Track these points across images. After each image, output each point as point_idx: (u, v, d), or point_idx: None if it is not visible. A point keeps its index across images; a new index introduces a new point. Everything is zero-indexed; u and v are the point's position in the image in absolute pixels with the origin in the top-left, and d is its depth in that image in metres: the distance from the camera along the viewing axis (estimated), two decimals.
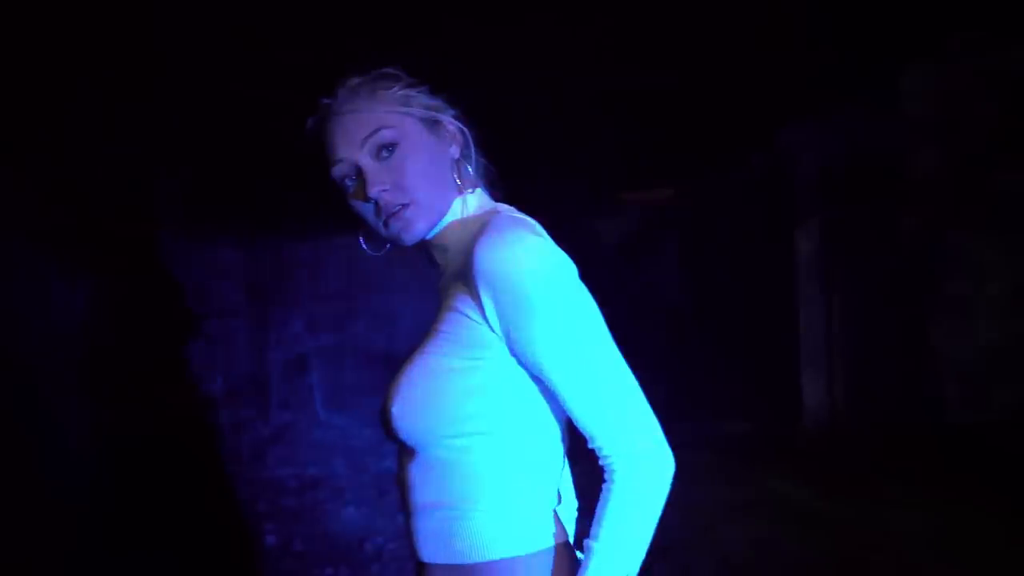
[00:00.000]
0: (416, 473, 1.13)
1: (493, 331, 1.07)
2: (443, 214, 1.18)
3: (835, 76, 5.28)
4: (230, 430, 5.34)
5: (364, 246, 1.23)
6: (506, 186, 1.26)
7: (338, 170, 1.16)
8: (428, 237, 1.19)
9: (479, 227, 1.11)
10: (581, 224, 9.92)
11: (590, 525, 1.10)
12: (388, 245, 1.22)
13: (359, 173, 1.14)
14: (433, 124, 1.17)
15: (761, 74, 5.10)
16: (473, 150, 1.22)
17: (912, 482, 4.70)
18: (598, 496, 1.11)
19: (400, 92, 1.17)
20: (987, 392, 5.94)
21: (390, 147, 1.13)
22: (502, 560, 1.09)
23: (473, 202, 1.20)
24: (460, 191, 1.19)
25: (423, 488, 1.12)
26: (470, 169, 1.21)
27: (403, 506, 1.18)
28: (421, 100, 1.18)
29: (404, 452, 1.16)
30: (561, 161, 7.25)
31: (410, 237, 1.16)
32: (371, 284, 6.32)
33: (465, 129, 1.20)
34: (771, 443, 5.88)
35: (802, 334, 6.24)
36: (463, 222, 1.18)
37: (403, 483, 1.16)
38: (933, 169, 5.90)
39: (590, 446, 1.11)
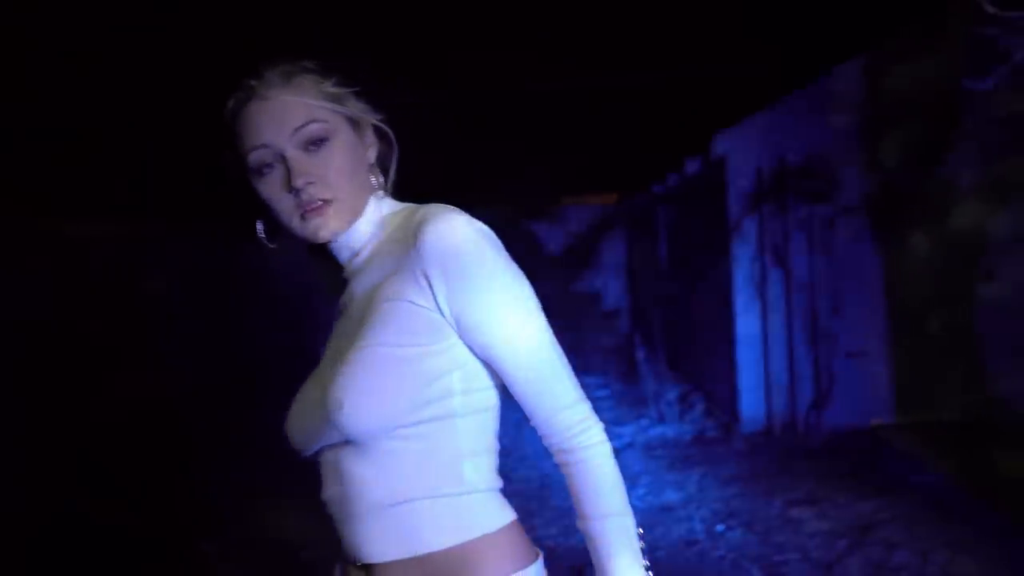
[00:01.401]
0: (368, 471, 1.09)
1: (443, 316, 1.08)
2: (359, 215, 1.17)
3: (767, 84, 5.39)
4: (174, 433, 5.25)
5: (261, 236, 1.19)
6: (441, 195, 1.26)
7: (259, 155, 1.12)
8: (333, 238, 1.16)
9: (409, 220, 1.13)
10: (523, 230, 9.97)
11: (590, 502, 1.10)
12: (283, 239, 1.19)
13: (282, 162, 1.11)
14: (356, 125, 1.17)
15: (696, 82, 5.19)
16: (395, 157, 1.22)
17: (835, 481, 4.84)
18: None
19: (333, 88, 1.16)
20: (928, 394, 6.14)
21: (319, 142, 1.12)
22: (477, 540, 1.10)
23: (386, 206, 1.20)
24: (374, 195, 1.19)
25: (381, 485, 1.09)
26: (386, 175, 1.21)
27: (341, 511, 1.12)
28: (352, 100, 1.17)
29: (342, 456, 1.11)
30: (500, 169, 7.28)
31: (326, 234, 1.14)
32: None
33: (392, 136, 1.20)
34: (709, 445, 5.99)
35: (738, 340, 6.35)
36: (379, 223, 1.18)
37: (347, 486, 1.10)
38: (861, 174, 6.09)
39: (553, 419, 1.10)
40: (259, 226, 1.20)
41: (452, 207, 1.12)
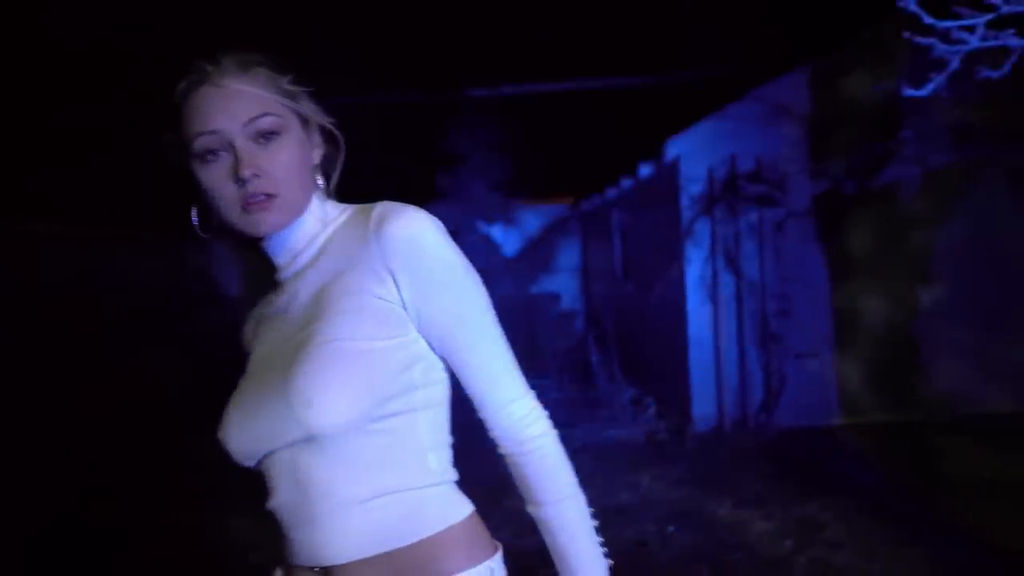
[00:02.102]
0: (333, 470, 1.07)
1: (405, 310, 1.09)
2: (300, 214, 1.15)
3: (716, 91, 5.49)
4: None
5: (195, 223, 1.16)
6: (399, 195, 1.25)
7: (206, 141, 1.09)
8: (272, 234, 1.14)
9: (362, 217, 1.13)
10: (479, 233, 9.98)
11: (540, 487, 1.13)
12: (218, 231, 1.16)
13: (230, 151, 1.09)
14: (306, 124, 1.16)
15: (649, 88, 5.26)
16: (341, 160, 1.21)
17: (783, 481, 4.93)
18: None
19: (288, 85, 1.15)
20: (868, 399, 6.28)
21: (270, 135, 1.10)
22: (443, 532, 1.11)
23: (330, 208, 1.19)
24: (316, 195, 1.18)
25: (347, 482, 1.07)
26: (327, 179, 1.20)
27: (298, 514, 1.10)
28: (305, 99, 1.16)
29: (299, 457, 1.08)
30: (456, 171, 7.29)
31: (266, 228, 1.11)
32: None
33: (341, 140, 1.20)
34: (661, 447, 6.05)
35: (690, 342, 6.42)
36: (322, 222, 1.17)
37: (306, 487, 1.08)
38: (809, 179, 6.20)
39: (504, 410, 1.13)
40: (193, 214, 1.16)
41: (409, 204, 1.13)
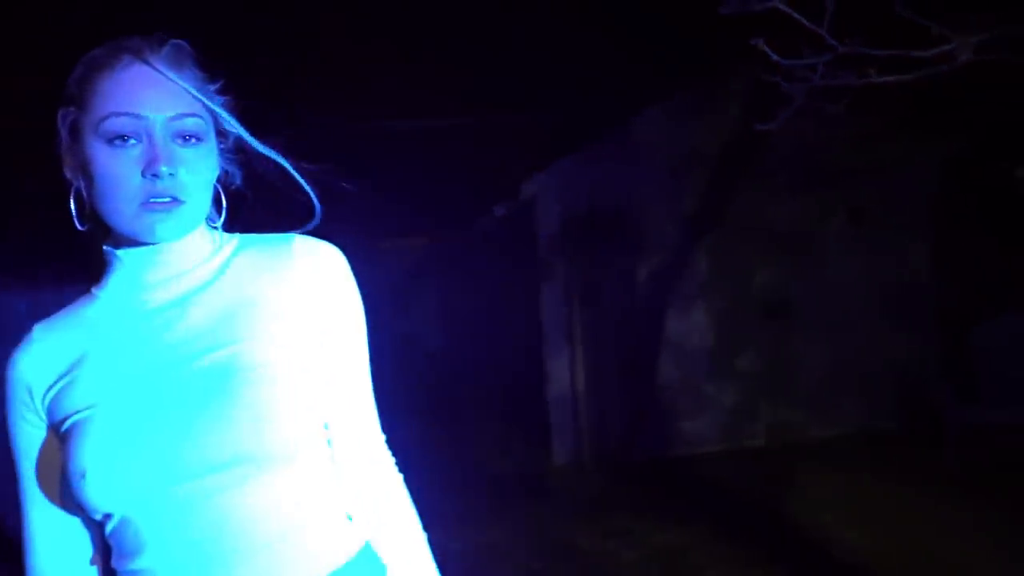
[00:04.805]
0: (267, 498, 1.00)
1: (321, 334, 1.09)
2: (192, 230, 1.08)
3: (575, 130, 5.63)
4: None
5: (73, 213, 1.05)
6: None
7: (122, 123, 0.98)
8: (161, 242, 1.05)
9: (269, 247, 1.11)
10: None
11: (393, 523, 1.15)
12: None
13: (146, 141, 0.99)
14: (219, 139, 1.09)
15: (504, 127, 5.34)
16: (237, 180, 1.15)
17: (645, 511, 5.03)
18: None
19: (218, 95, 1.08)
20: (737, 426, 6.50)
21: (191, 138, 1.02)
22: (363, 550, 1.10)
23: (216, 232, 1.13)
24: (209, 215, 1.11)
25: (284, 509, 1.01)
26: (224, 196, 1.14)
27: (210, 553, 0.98)
28: (226, 112, 1.09)
29: (227, 490, 0.98)
30: (311, 211, 7.15)
31: (162, 233, 1.02)
32: None
33: (252, 157, 1.13)
34: (528, 483, 6.06)
35: (550, 377, 6.49)
36: (212, 243, 1.11)
37: (230, 522, 0.98)
38: (667, 217, 6.45)
39: (364, 443, 1.14)
40: (72, 201, 1.05)
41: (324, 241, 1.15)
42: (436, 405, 8.80)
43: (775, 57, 2.55)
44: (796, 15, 2.43)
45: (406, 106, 4.75)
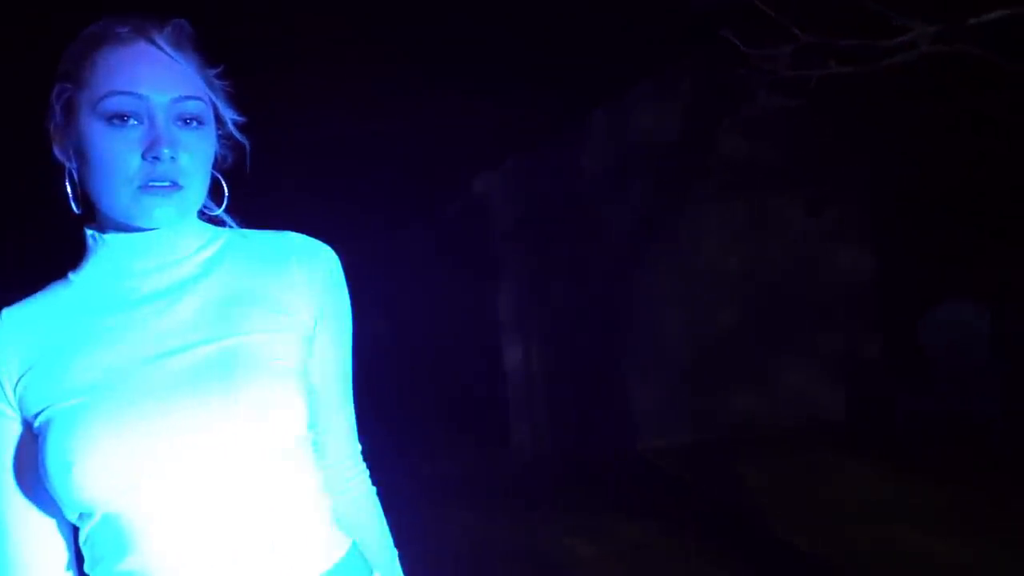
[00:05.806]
0: (270, 489, 0.97)
1: (314, 334, 1.07)
2: (190, 215, 1.04)
3: (526, 127, 5.60)
4: None
5: (69, 194, 0.99)
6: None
7: (124, 102, 0.94)
8: (157, 228, 1.00)
9: (265, 241, 1.08)
10: None
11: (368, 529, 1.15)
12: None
13: (148, 122, 0.95)
14: (217, 125, 1.04)
15: (457, 123, 5.29)
16: (227, 168, 1.10)
17: (603, 506, 5.03)
18: None
19: (218, 80, 1.04)
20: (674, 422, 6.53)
21: (193, 122, 0.98)
22: (351, 548, 1.08)
23: (208, 224, 1.08)
24: (203, 203, 1.06)
25: (296, 499, 1.00)
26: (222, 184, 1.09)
27: (208, 556, 0.93)
28: (225, 99, 1.05)
29: (222, 492, 0.94)
30: (252, 211, 7.02)
31: (160, 218, 0.97)
32: None
33: (247, 149, 1.10)
34: (482, 480, 6.01)
35: (505, 373, 6.46)
36: (205, 232, 1.07)
37: (225, 525, 0.94)
38: (619, 211, 6.45)
39: (345, 447, 1.15)
40: (67, 182, 0.99)
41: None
42: (390, 404, 8.71)
43: (743, 48, 2.54)
44: (762, 6, 2.41)
45: (357, 108, 4.68)
